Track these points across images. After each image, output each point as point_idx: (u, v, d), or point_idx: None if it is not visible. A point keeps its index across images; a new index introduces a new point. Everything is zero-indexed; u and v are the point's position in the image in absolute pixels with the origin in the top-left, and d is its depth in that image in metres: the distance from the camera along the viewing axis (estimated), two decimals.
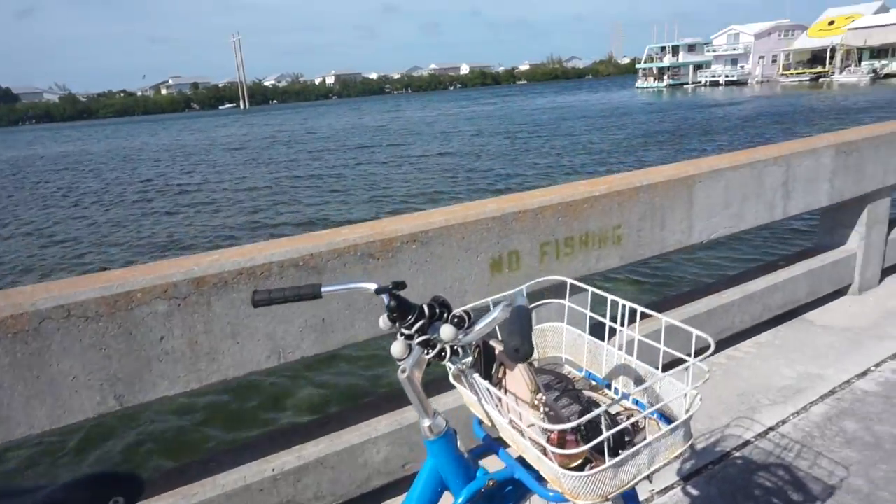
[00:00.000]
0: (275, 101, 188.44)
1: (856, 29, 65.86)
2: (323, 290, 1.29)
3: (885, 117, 29.03)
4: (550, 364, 1.59)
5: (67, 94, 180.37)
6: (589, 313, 1.48)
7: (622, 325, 1.39)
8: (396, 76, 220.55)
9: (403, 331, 1.19)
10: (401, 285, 1.19)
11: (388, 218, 2.43)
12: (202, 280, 1.93)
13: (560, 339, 1.58)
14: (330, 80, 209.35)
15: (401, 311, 1.18)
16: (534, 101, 72.80)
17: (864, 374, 3.31)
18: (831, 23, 70.56)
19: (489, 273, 2.46)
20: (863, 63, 63.86)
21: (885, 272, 4.53)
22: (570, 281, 1.55)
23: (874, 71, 61.05)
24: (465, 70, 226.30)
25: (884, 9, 68.58)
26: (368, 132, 44.21)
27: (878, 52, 64.23)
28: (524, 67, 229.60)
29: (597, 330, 1.58)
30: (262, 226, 14.14)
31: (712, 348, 1.10)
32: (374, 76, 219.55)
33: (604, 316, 1.49)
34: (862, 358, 3.48)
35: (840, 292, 4.26)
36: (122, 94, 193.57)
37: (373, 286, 1.24)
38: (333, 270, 2.14)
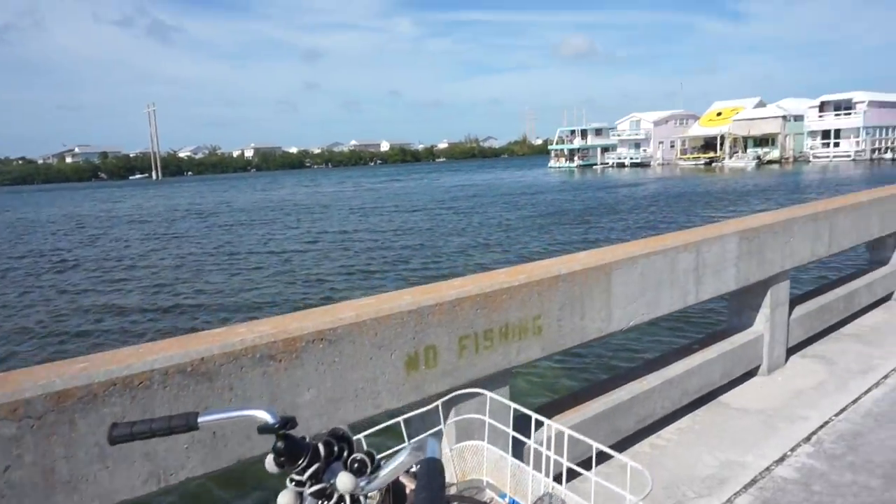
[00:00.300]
0: (190, 173, 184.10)
1: (740, 120, 72.94)
2: (200, 420, 1.07)
3: (771, 198, 31.78)
4: (470, 489, 1.40)
5: None
6: (512, 433, 1.32)
7: (549, 447, 1.24)
8: (317, 151, 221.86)
9: (294, 476, 0.98)
10: (290, 422, 0.99)
11: (292, 314, 2.22)
12: (65, 394, 1.63)
13: (480, 460, 1.41)
14: (249, 153, 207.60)
15: (290, 453, 0.97)
16: (453, 178, 74.89)
17: (782, 459, 3.30)
18: (719, 114, 77.94)
19: (404, 371, 2.28)
20: (748, 150, 70.35)
21: (790, 351, 4.69)
22: (489, 395, 1.40)
23: (758, 157, 67.33)
24: (385, 147, 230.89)
25: (762, 104, 76.67)
26: (284, 206, 43.65)
27: (760, 141, 71.16)
28: (443, 145, 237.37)
29: (522, 448, 1.43)
30: (155, 309, 13.14)
31: (650, 487, 0.97)
32: (294, 150, 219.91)
33: (528, 432, 1.34)
34: (778, 441, 3.49)
35: (750, 373, 4.34)
36: (20, 162, 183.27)
37: (261, 416, 1.03)
38: (228, 376, 1.89)
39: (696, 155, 75.39)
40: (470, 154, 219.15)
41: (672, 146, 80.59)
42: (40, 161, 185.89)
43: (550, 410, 3.00)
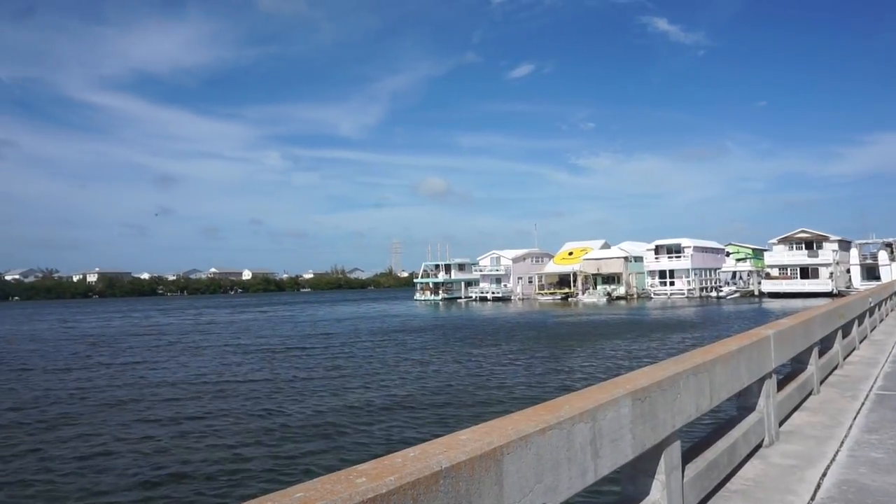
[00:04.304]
0: (16, 298, 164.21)
1: (589, 259, 79.41)
2: None
3: (622, 332, 33.68)
4: None
5: None
6: None
7: None
8: (171, 278, 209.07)
9: None
10: None
11: None
12: None
13: None
14: (92, 278, 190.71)
15: None
16: (318, 311, 72.73)
17: None
18: (570, 253, 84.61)
19: None
20: (598, 286, 76.01)
21: None
22: None
23: (608, 293, 72.81)
24: (247, 275, 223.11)
25: (606, 245, 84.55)
26: (112, 340, 39.08)
27: (608, 279, 77.41)
28: (308, 276, 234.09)
29: None
30: None
31: None
32: (145, 276, 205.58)
33: None
34: None
35: None
36: None
37: None
38: None
39: (553, 290, 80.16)
40: (336, 284, 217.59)
41: (530, 281, 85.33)
42: None
43: None
